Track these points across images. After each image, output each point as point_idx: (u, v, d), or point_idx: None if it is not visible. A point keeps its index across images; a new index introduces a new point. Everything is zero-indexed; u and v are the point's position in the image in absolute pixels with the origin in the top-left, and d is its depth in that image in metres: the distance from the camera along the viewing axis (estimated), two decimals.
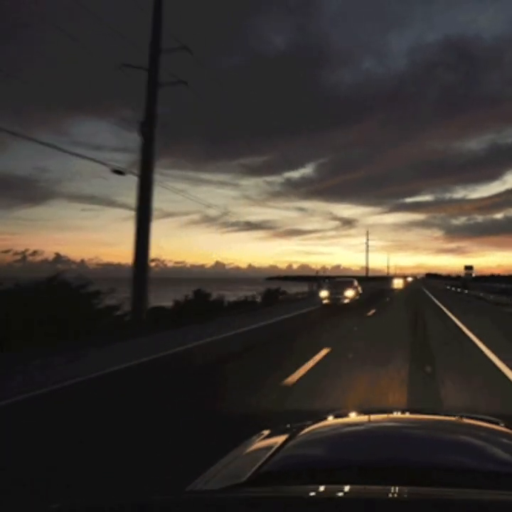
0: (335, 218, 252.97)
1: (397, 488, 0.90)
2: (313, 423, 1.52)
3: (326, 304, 22.36)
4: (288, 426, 1.59)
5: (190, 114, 44.87)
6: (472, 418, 1.57)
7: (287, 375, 6.76)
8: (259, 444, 1.44)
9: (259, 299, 26.65)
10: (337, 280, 26.64)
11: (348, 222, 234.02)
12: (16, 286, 11.16)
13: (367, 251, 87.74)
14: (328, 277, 39.61)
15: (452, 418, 1.67)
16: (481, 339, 10.62)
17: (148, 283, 14.13)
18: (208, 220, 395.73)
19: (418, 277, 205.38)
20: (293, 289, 37.74)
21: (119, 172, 13.57)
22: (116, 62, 13.98)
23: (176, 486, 1.62)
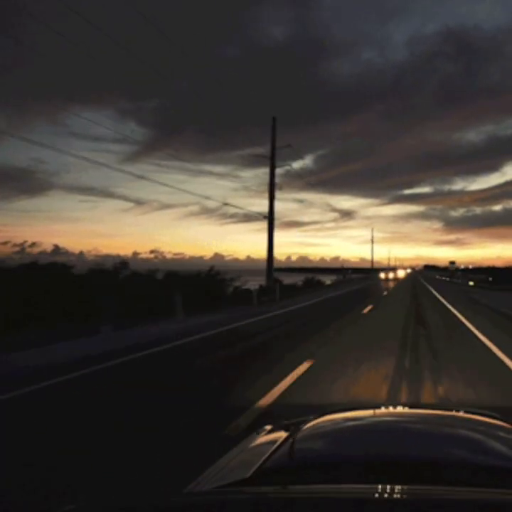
0: (334, 210, 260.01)
1: (397, 488, 0.91)
2: (314, 418, 1.56)
3: (380, 279, 50.63)
4: (289, 421, 1.65)
5: (191, 107, 50.75)
6: (471, 413, 1.64)
7: (378, 298, 20.35)
8: (262, 439, 1.51)
9: (300, 284, 34.25)
10: (386, 269, 67.24)
11: (347, 214, 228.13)
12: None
13: (372, 245, 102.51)
14: (348, 269, 58.40)
15: (453, 413, 1.73)
16: (443, 296, 24.85)
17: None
18: (207, 212, 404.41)
19: (416, 269, 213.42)
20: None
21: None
22: (116, 59, 20.40)
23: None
